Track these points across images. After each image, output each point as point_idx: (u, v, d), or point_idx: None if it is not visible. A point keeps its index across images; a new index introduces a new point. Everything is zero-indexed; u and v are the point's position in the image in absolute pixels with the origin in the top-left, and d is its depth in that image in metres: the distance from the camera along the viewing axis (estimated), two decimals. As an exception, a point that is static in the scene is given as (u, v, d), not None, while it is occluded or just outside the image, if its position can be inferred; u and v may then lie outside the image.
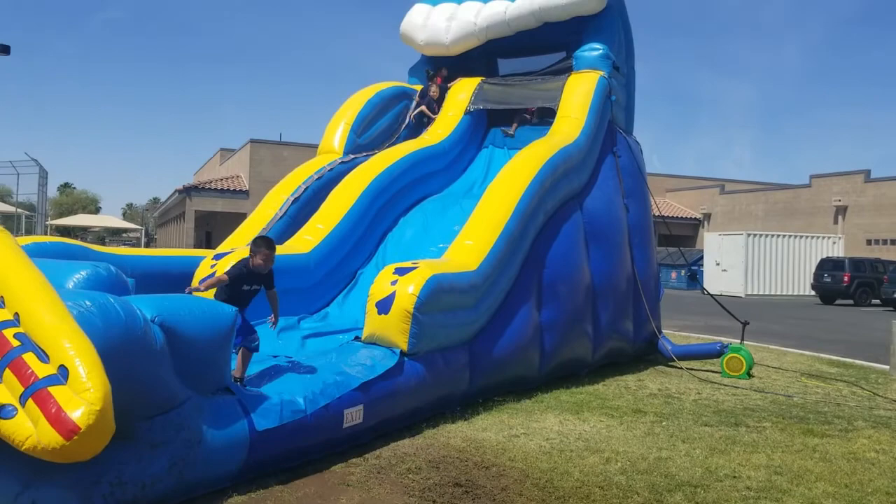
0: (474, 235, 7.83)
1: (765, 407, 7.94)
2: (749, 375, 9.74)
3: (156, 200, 78.64)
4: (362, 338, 6.69)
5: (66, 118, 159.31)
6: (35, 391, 3.52)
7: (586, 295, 9.00)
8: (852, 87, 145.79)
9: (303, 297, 8.24)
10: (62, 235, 32.55)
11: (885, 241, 35.66)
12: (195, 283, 7.46)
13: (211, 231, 41.60)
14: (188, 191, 36.43)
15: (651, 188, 11.34)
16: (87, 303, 3.99)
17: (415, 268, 6.72)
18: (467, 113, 11.35)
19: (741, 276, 33.22)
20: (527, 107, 11.29)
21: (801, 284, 34.00)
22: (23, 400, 3.53)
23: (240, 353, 5.51)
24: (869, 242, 36.33)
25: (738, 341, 10.63)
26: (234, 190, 36.80)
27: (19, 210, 36.70)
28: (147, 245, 56.03)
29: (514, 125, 11.42)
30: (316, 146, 11.24)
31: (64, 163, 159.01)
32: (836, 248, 34.84)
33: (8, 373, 3.62)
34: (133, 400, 4.07)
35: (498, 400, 7.50)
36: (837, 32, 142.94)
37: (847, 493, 5.13)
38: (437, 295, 6.57)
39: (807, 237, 35.30)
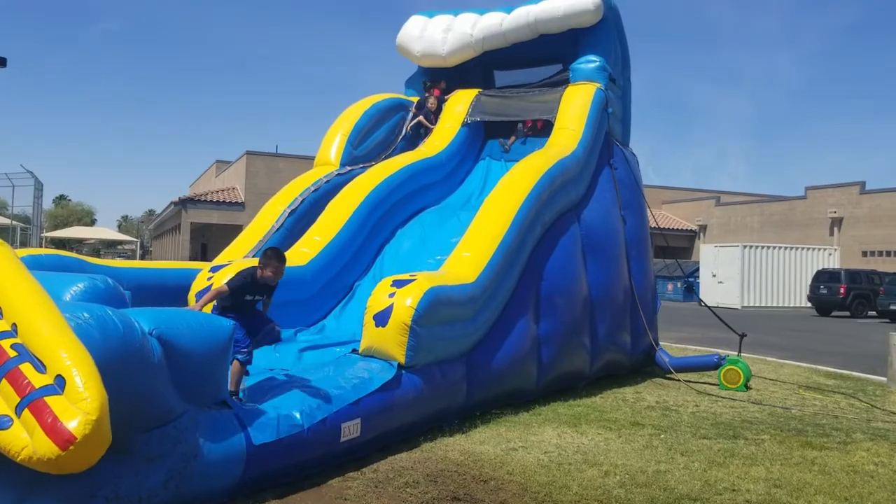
0: (472, 247, 7.83)
1: (763, 419, 7.92)
2: (747, 388, 9.73)
3: (151, 212, 78.62)
4: (359, 350, 6.66)
5: (62, 130, 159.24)
6: (31, 401, 3.49)
7: (584, 307, 8.99)
8: (847, 98, 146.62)
9: (300, 310, 8.22)
10: (57, 248, 32.52)
11: (881, 253, 35.76)
12: (192, 300, 7.44)
13: (207, 243, 41.56)
14: (184, 203, 36.41)
15: (647, 200, 11.36)
16: (85, 315, 3.97)
17: (412, 280, 6.70)
18: (464, 125, 11.37)
19: (737, 288, 33.25)
20: (524, 119, 11.31)
21: (797, 296, 34.03)
22: (19, 410, 3.51)
23: (231, 365, 5.46)
24: (865, 254, 36.44)
25: (736, 353, 10.62)
26: (229, 202, 36.79)
27: (14, 222, 36.57)
28: (142, 257, 55.89)
29: (512, 138, 11.43)
30: (312, 158, 11.24)
31: (59, 175, 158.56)
32: (832, 260, 34.92)
33: (4, 383, 3.59)
34: (130, 413, 4.04)
35: (496, 413, 7.47)
36: (832, 43, 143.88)
37: (847, 507, 5.11)
38: (434, 307, 6.55)
39: (803, 249, 35.37)
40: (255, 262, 6.27)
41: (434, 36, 11.69)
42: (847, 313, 28.91)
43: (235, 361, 5.47)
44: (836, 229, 37.89)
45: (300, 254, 8.64)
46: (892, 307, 26.20)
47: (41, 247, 30.96)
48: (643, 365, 10.63)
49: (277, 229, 9.27)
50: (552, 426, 7.16)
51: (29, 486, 3.76)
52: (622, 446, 6.52)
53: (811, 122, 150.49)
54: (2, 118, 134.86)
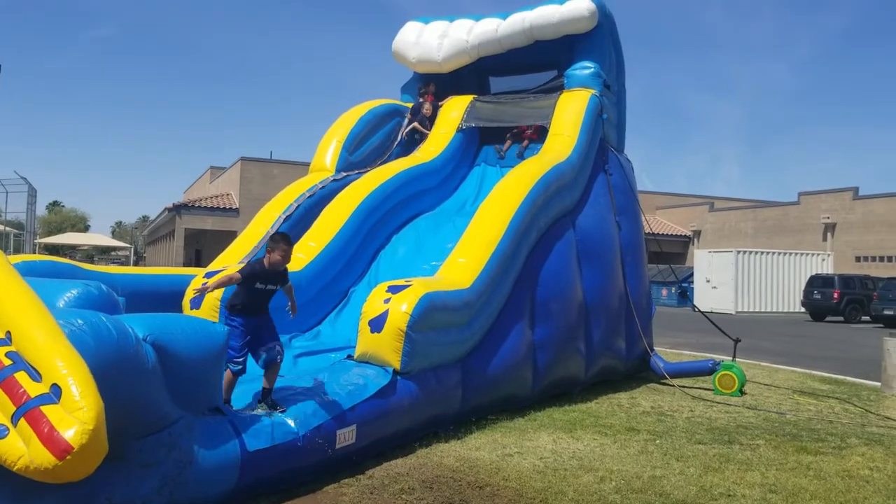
0: (467, 253, 7.82)
1: (758, 424, 7.93)
2: (741, 393, 9.74)
3: (145, 218, 78.44)
4: (355, 356, 6.65)
5: (56, 136, 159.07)
6: (27, 410, 3.47)
7: (579, 313, 8.99)
8: (840, 104, 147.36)
9: (295, 316, 8.18)
10: (51, 254, 32.41)
11: (874, 258, 35.88)
12: (186, 306, 7.40)
13: (201, 249, 41.50)
14: (178, 209, 36.34)
15: (641, 206, 11.38)
16: (79, 321, 3.95)
17: (408, 286, 6.69)
18: (459, 130, 11.38)
19: (731, 294, 33.30)
20: (519, 125, 11.32)
21: (790, 301, 34.10)
22: (14, 420, 3.49)
23: (225, 374, 5.41)
24: (858, 259, 36.55)
25: (730, 358, 10.63)
26: (224, 208, 36.72)
27: (7, 228, 36.50)
28: (136, 263, 55.76)
29: (508, 143, 11.44)
30: (306, 164, 11.23)
31: (53, 181, 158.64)
32: (825, 265, 35.01)
33: (-1, 392, 3.57)
34: (125, 419, 4.02)
35: (491, 418, 7.46)
36: (825, 50, 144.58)
37: (842, 512, 5.12)
38: (430, 313, 6.54)
39: (796, 254, 35.47)
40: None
41: (430, 42, 11.71)
42: (841, 318, 28.97)
43: (228, 371, 5.35)
44: (829, 235, 38.01)
45: (295, 259, 8.59)
46: (886, 312, 26.26)
47: (34, 253, 30.87)
48: (638, 370, 10.63)
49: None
50: (548, 432, 7.15)
51: (23, 493, 3.74)
52: (618, 452, 6.52)
53: (804, 128, 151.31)
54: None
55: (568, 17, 10.67)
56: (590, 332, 9.22)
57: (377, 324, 6.40)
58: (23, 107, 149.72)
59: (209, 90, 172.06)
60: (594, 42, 10.92)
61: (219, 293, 7.29)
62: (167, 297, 7.59)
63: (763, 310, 33.62)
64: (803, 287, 31.05)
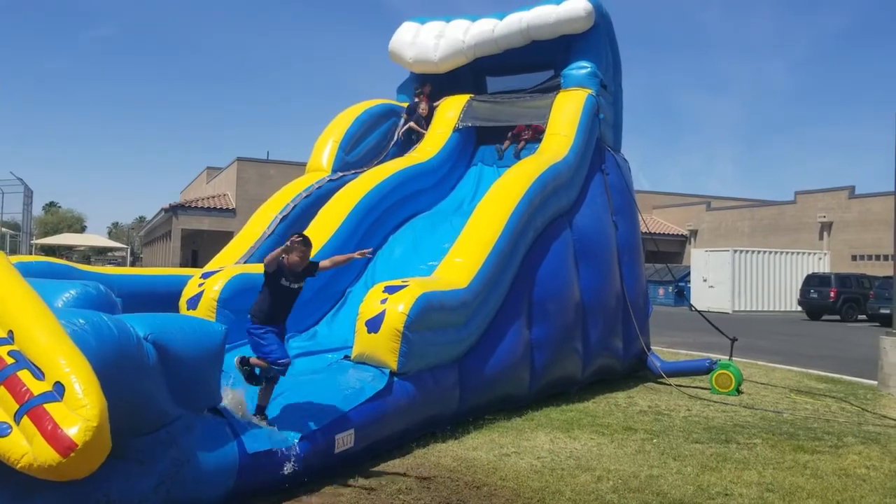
0: (464, 253, 7.83)
1: (755, 423, 7.94)
2: (738, 392, 9.76)
3: (142, 219, 78.27)
4: (351, 357, 6.65)
5: (52, 136, 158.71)
6: (30, 408, 3.48)
7: (576, 312, 9.00)
8: (836, 103, 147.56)
9: (291, 316, 8.05)
10: (47, 255, 32.33)
11: (870, 257, 35.95)
12: (183, 306, 7.41)
13: (197, 250, 41.43)
14: (174, 209, 36.29)
15: (638, 205, 11.39)
16: (81, 321, 3.98)
17: (404, 286, 6.70)
18: (456, 130, 11.38)
19: (728, 293, 33.33)
20: (516, 124, 11.33)
21: (787, 300, 34.14)
22: (18, 418, 3.50)
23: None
24: (854, 258, 36.62)
25: (727, 358, 10.65)
26: (220, 208, 36.69)
27: (4, 229, 36.43)
28: (133, 264, 55.68)
29: (507, 143, 11.44)
30: (303, 164, 11.23)
31: (49, 181, 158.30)
32: (821, 264, 35.04)
33: (2, 390, 3.58)
34: (126, 417, 4.03)
35: (488, 418, 7.47)
36: (822, 49, 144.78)
37: (839, 510, 5.13)
38: (426, 313, 6.54)
39: (793, 253, 35.51)
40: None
41: (426, 42, 11.71)
42: (837, 317, 29.02)
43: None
44: (825, 233, 38.09)
45: (292, 260, 8.61)
46: (882, 311, 26.24)
47: (31, 254, 30.85)
48: (635, 370, 10.65)
49: (269, 235, 9.25)
50: (545, 431, 7.16)
51: (21, 492, 3.74)
52: (615, 451, 6.53)
53: (801, 128, 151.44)
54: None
55: (565, 17, 10.68)
56: (587, 331, 9.23)
57: (374, 324, 6.40)
58: (21, 107, 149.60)
59: (206, 90, 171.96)
60: (591, 42, 10.93)
61: (216, 293, 7.31)
62: (164, 298, 7.58)
63: (760, 309, 33.66)
64: (800, 286, 31.09)
